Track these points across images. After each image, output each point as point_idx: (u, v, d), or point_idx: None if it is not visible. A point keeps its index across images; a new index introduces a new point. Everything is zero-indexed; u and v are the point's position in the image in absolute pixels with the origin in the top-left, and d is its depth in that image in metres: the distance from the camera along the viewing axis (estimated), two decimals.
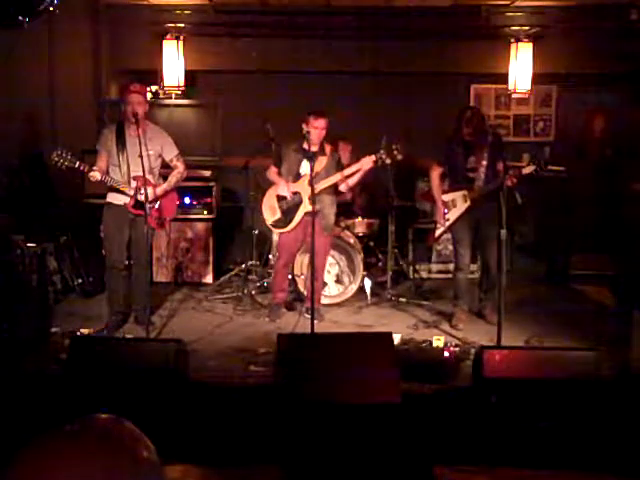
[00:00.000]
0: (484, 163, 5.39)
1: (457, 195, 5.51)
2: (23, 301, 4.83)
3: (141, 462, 0.94)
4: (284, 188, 5.61)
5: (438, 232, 5.69)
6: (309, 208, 5.51)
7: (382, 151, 5.40)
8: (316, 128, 5.44)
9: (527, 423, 3.56)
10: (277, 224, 5.73)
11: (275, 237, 6.31)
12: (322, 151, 5.57)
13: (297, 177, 5.65)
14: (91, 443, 0.92)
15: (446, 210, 5.58)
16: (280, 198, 5.68)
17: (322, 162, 5.53)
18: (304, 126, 5.48)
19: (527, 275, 7.02)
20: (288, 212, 5.66)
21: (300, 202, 5.61)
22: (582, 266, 7.03)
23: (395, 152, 5.40)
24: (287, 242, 5.74)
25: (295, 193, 5.62)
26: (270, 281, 6.37)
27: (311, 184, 5.04)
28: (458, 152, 5.49)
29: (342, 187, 5.67)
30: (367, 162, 5.47)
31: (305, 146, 5.54)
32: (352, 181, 5.64)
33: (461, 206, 5.49)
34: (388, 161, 5.48)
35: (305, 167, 5.58)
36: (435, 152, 6.29)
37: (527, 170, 5.20)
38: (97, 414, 0.99)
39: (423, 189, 7.11)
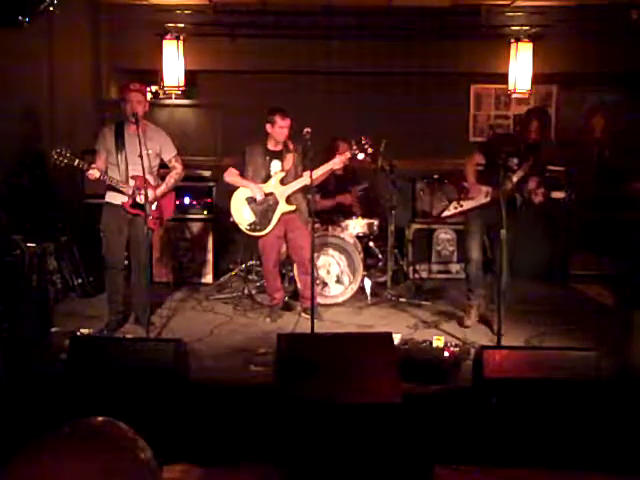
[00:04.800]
0: (522, 171, 5.24)
1: (481, 188, 5.39)
2: (23, 301, 4.83)
3: (138, 464, 0.94)
4: (256, 190, 5.56)
5: (447, 213, 5.66)
6: (287, 208, 5.55)
7: (354, 147, 5.48)
8: (282, 128, 5.43)
9: (527, 423, 3.56)
10: (254, 228, 5.63)
11: None
12: (287, 148, 5.57)
13: (267, 178, 5.62)
14: (88, 445, 0.92)
15: (461, 197, 5.54)
16: (251, 201, 5.62)
17: (290, 159, 5.56)
18: (268, 126, 5.47)
19: (527, 275, 7.01)
20: (263, 214, 5.60)
21: (275, 203, 5.58)
22: (582, 266, 7.03)
23: (366, 146, 5.46)
24: (270, 243, 5.68)
25: (269, 194, 5.60)
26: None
27: (311, 183, 5.05)
28: (503, 148, 5.33)
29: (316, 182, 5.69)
30: (338, 161, 5.54)
31: (270, 146, 5.56)
32: (324, 176, 5.66)
33: (479, 200, 5.40)
34: (361, 156, 5.54)
35: (274, 167, 5.61)
36: (435, 151, 6.31)
37: (556, 195, 5.21)
38: (93, 416, 0.99)
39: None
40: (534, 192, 5.20)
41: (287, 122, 5.44)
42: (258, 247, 5.85)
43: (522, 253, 7.11)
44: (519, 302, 5.92)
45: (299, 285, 5.99)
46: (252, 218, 5.62)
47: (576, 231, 7.21)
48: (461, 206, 5.52)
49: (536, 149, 5.35)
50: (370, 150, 5.52)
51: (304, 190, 5.66)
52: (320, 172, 5.52)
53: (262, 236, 5.67)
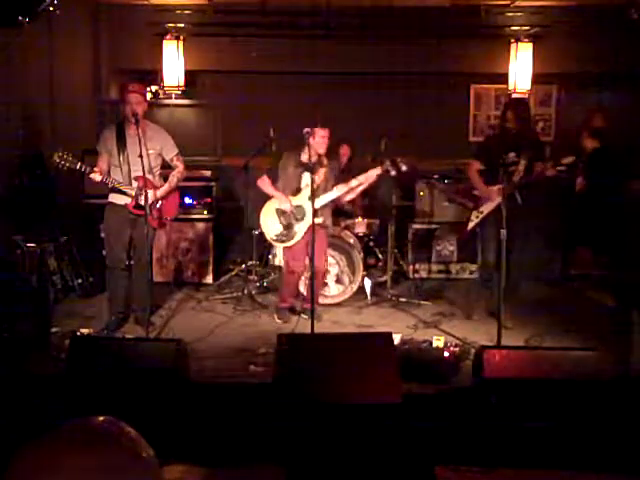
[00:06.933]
0: (524, 159, 5.32)
1: (493, 189, 5.45)
2: (23, 301, 4.83)
3: (139, 462, 0.94)
4: (286, 203, 5.56)
5: (471, 224, 5.66)
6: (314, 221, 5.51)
7: (387, 163, 5.43)
8: (323, 137, 5.41)
9: (527, 423, 3.56)
10: (279, 239, 5.63)
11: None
12: (320, 162, 5.53)
13: (297, 190, 5.60)
14: (89, 443, 0.92)
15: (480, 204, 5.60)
16: (280, 212, 5.61)
17: (321, 174, 5.52)
18: (310, 139, 5.33)
19: (527, 275, 7.00)
20: (290, 226, 5.59)
21: (302, 216, 5.57)
22: (582, 266, 7.02)
23: (400, 164, 5.44)
24: (295, 255, 5.64)
25: (297, 207, 5.58)
26: (270, 280, 6.39)
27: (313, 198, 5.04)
28: (497, 146, 5.47)
29: (346, 198, 5.74)
30: (372, 175, 5.53)
31: (304, 159, 5.51)
32: (354, 193, 5.70)
33: (496, 200, 5.40)
34: (393, 173, 5.50)
35: (306, 180, 5.56)
36: (435, 151, 6.29)
37: (567, 160, 5.25)
38: (94, 415, 0.99)
39: (457, 187, 7.07)
40: (545, 168, 5.26)
41: (326, 132, 5.41)
42: (283, 256, 5.83)
43: (522, 253, 7.11)
44: (519, 302, 5.92)
45: (300, 286, 5.96)
46: (279, 229, 5.61)
47: (576, 231, 7.19)
48: (481, 213, 5.56)
49: (529, 139, 5.48)
50: (405, 168, 5.48)
51: (331, 206, 5.70)
52: (350, 187, 5.54)
53: (290, 247, 5.65)
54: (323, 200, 5.52)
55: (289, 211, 5.57)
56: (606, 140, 6.84)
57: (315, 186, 5.37)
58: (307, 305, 5.55)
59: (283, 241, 5.64)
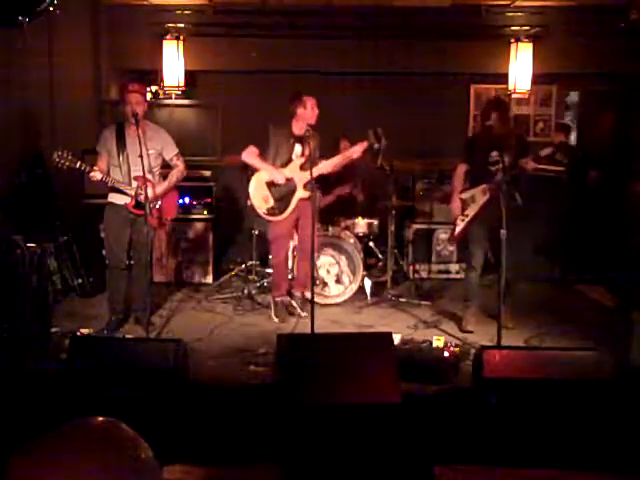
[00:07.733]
0: (507, 157, 5.23)
1: (477, 190, 5.38)
2: (23, 301, 4.83)
3: (138, 464, 0.94)
4: (278, 175, 5.55)
5: (458, 229, 5.53)
6: (304, 194, 5.53)
7: (371, 136, 5.51)
8: (313, 106, 5.47)
9: (527, 423, 3.56)
10: (272, 212, 5.62)
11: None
12: (308, 134, 5.49)
13: (288, 162, 5.61)
14: (88, 444, 0.92)
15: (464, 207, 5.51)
16: (270, 185, 5.60)
17: (311, 146, 5.52)
18: (300, 110, 5.46)
19: (527, 275, 7.00)
20: (282, 199, 5.59)
21: (294, 188, 5.58)
22: (582, 266, 7.03)
23: (380, 135, 5.52)
24: (282, 231, 5.68)
25: (289, 179, 5.58)
26: (270, 280, 6.38)
27: (310, 168, 5.10)
28: (480, 145, 5.42)
29: (334, 169, 5.77)
30: (358, 150, 5.57)
31: (295, 130, 5.56)
32: (341, 166, 5.77)
33: (480, 200, 5.35)
34: (377, 146, 5.57)
35: (296, 151, 5.60)
36: (435, 151, 6.28)
37: (545, 152, 5.35)
38: (94, 416, 0.99)
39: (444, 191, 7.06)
40: (525, 163, 5.23)
41: (313, 100, 5.47)
42: (268, 237, 5.81)
43: (519, 253, 7.11)
44: (519, 302, 5.92)
45: (295, 272, 5.94)
46: (271, 202, 5.60)
47: (577, 231, 7.20)
48: (467, 216, 5.46)
49: (512, 137, 5.42)
50: (385, 141, 5.53)
51: (317, 180, 5.66)
52: (338, 160, 5.59)
53: (275, 224, 5.66)
54: (315, 172, 5.50)
55: (281, 183, 5.56)
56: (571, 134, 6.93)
57: (306, 157, 5.46)
58: (299, 291, 5.72)
59: (275, 214, 5.62)
